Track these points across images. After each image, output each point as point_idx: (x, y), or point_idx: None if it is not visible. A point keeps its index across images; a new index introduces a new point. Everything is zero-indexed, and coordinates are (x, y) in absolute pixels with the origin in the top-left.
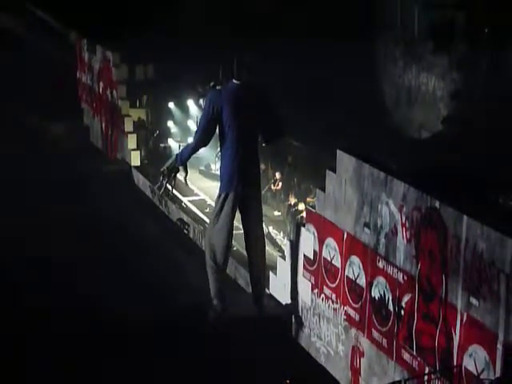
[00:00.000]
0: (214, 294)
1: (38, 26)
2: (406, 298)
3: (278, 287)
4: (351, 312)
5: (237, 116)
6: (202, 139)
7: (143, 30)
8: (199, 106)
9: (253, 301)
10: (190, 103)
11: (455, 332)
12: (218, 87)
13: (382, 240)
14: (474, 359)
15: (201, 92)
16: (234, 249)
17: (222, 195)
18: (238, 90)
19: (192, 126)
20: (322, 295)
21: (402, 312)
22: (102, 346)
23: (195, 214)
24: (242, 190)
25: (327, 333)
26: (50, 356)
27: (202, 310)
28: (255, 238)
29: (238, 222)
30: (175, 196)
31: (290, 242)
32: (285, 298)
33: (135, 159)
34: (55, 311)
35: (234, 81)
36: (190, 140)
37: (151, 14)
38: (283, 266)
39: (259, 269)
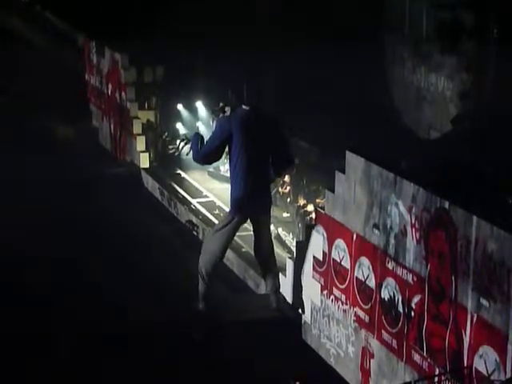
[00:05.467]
0: (200, 299)
1: (47, 28)
2: (415, 299)
3: (288, 288)
4: (361, 313)
5: (247, 142)
6: (209, 161)
7: (151, 32)
8: (210, 126)
9: (269, 293)
10: (199, 105)
11: (465, 333)
12: (226, 108)
13: (392, 241)
14: (485, 360)
15: (215, 111)
16: (243, 250)
17: (230, 217)
18: (247, 115)
19: (201, 127)
20: (332, 296)
21: (412, 313)
22: (105, 347)
23: (204, 215)
24: (250, 214)
25: (337, 334)
26: (54, 357)
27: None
28: (264, 246)
29: (248, 225)
30: (184, 198)
31: (298, 242)
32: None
33: (144, 161)
34: (62, 311)
35: (244, 106)
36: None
37: (158, 16)
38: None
39: (271, 263)
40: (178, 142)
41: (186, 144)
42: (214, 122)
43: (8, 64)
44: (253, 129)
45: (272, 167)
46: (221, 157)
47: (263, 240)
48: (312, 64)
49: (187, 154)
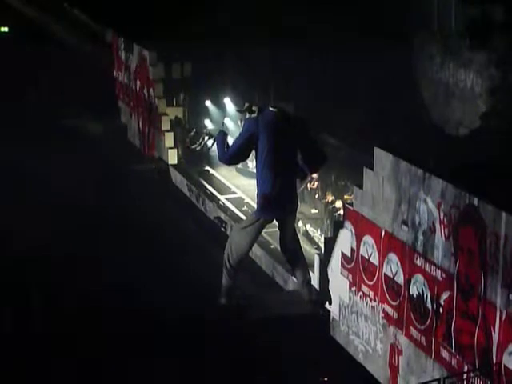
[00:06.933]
0: (223, 293)
1: (75, 25)
2: (444, 296)
3: (315, 284)
4: (389, 310)
5: (274, 144)
6: (235, 161)
7: (179, 29)
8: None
9: (301, 287)
10: (227, 101)
11: (494, 330)
12: (254, 108)
13: (420, 237)
14: None
15: (242, 111)
16: (272, 247)
17: (256, 217)
18: (274, 117)
19: (229, 124)
20: (360, 293)
21: (441, 310)
22: (133, 344)
23: (232, 211)
24: (276, 215)
25: (365, 331)
26: (87, 355)
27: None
28: (289, 241)
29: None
30: (212, 194)
31: (327, 239)
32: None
33: (172, 157)
34: (91, 310)
35: (271, 108)
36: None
37: (187, 13)
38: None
39: (298, 257)
40: (201, 137)
41: (209, 138)
42: (242, 123)
43: (38, 62)
44: (280, 131)
45: (306, 166)
46: (247, 158)
47: (288, 236)
48: (339, 63)
49: (209, 149)
